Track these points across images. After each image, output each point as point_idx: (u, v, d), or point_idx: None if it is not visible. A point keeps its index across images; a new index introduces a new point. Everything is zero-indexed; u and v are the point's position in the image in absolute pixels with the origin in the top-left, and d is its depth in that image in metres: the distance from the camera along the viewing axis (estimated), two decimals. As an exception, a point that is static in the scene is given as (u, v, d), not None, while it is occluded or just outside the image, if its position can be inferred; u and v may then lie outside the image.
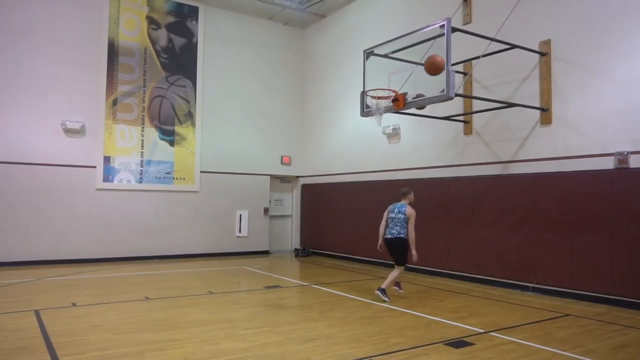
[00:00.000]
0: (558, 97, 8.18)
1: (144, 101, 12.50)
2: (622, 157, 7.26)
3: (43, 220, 11.12)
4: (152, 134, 12.58)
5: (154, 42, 12.71)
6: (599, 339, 5.45)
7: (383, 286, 7.38)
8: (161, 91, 12.75)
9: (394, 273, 7.42)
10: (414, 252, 7.19)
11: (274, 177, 14.63)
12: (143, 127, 12.47)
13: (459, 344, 5.14)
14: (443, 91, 7.02)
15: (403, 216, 7.35)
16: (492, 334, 5.58)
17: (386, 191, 11.44)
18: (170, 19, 12.95)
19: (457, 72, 7.83)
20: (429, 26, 7.49)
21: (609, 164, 7.45)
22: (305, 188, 14.75)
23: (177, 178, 12.86)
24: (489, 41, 8.04)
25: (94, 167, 11.79)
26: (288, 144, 14.79)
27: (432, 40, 7.60)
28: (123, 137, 12.21)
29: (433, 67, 6.96)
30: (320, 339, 5.31)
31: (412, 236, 7.24)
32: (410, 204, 7.62)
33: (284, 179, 15.02)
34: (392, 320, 6.23)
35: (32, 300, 7.27)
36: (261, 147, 14.23)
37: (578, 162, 7.83)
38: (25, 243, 10.90)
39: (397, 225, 7.35)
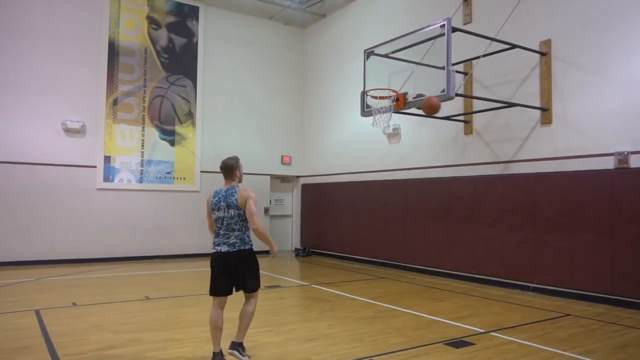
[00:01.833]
0: (558, 97, 8.18)
1: (144, 101, 12.50)
2: (622, 157, 7.27)
3: (43, 220, 11.12)
4: (152, 133, 12.58)
5: (154, 42, 12.71)
6: (599, 339, 5.45)
7: (238, 339, 4.63)
8: (161, 91, 12.75)
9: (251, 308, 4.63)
10: (275, 248, 4.70)
11: (274, 177, 14.63)
12: (143, 127, 12.47)
13: (459, 343, 5.14)
14: (443, 91, 7.03)
15: (236, 211, 4.46)
16: (493, 333, 5.58)
17: (386, 191, 11.47)
18: (171, 19, 12.95)
19: (457, 72, 7.84)
20: (429, 26, 7.50)
21: (609, 164, 7.45)
22: (306, 188, 14.75)
23: (177, 178, 12.87)
24: (489, 41, 8.04)
25: (95, 167, 11.79)
26: (288, 144, 14.79)
27: (433, 40, 7.60)
28: (123, 137, 12.21)
29: (431, 109, 7.05)
30: (321, 338, 5.31)
31: (262, 229, 4.45)
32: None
33: (284, 179, 15.02)
34: (392, 320, 6.23)
35: (33, 300, 7.27)
36: (261, 146, 14.22)
37: (578, 162, 7.83)
38: (25, 243, 10.90)
39: (234, 230, 4.49)
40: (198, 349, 4.87)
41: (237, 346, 4.54)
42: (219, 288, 4.56)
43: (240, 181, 4.64)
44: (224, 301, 4.57)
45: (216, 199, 4.55)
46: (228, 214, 4.46)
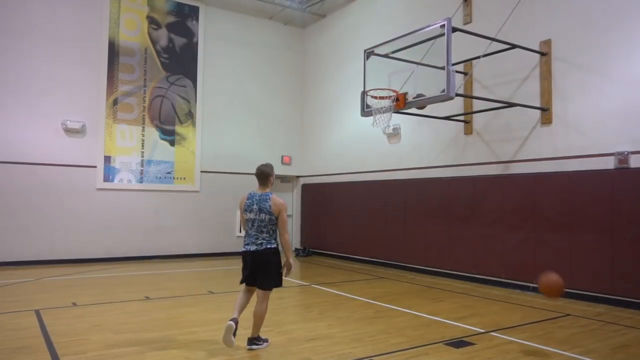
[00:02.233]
0: (558, 97, 8.18)
1: (144, 101, 12.50)
2: (623, 157, 7.27)
3: (43, 220, 11.12)
4: (152, 133, 12.58)
5: (154, 42, 12.71)
6: (599, 339, 5.45)
7: (253, 335, 4.96)
8: (161, 91, 12.75)
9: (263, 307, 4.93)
10: (292, 261, 5.02)
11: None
12: (143, 127, 12.47)
13: (459, 343, 5.14)
14: (443, 91, 7.03)
15: (268, 216, 4.91)
16: (493, 333, 5.58)
17: (386, 191, 11.47)
18: (171, 19, 12.95)
19: (457, 72, 7.84)
20: (429, 26, 7.49)
21: (609, 164, 7.45)
22: (306, 188, 14.75)
23: (177, 178, 12.87)
24: (489, 41, 8.04)
25: (95, 167, 11.79)
26: (288, 144, 14.79)
27: (433, 40, 7.60)
28: (123, 137, 12.21)
29: (552, 291, 5.19)
30: (321, 338, 5.31)
31: (288, 241, 5.05)
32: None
33: (284, 179, 15.01)
34: (392, 320, 6.23)
35: (33, 300, 7.27)
36: (261, 146, 14.22)
37: (578, 162, 7.83)
38: (25, 243, 10.90)
39: (263, 232, 4.94)
40: (198, 349, 4.87)
41: (254, 340, 4.92)
42: (246, 278, 5.04)
43: (271, 185, 5.09)
44: (252, 290, 5.04)
45: (249, 201, 4.98)
46: (259, 217, 4.91)
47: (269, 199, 4.92)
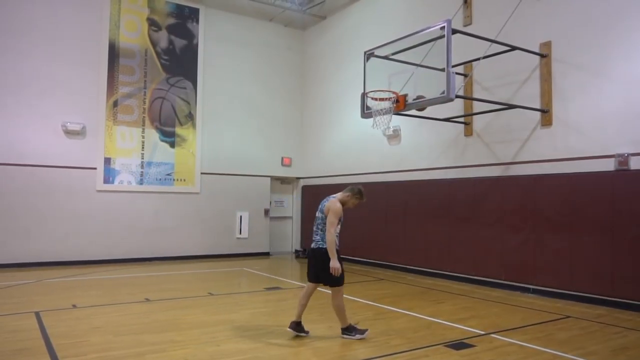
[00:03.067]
0: (558, 98, 8.18)
1: (144, 102, 12.50)
2: (623, 159, 7.26)
3: (44, 221, 11.11)
4: (152, 135, 12.58)
5: (154, 44, 12.72)
6: (600, 340, 5.45)
7: (342, 326, 5.44)
8: (162, 92, 12.75)
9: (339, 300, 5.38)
10: (332, 263, 5.15)
11: (274, 179, 14.63)
12: (143, 129, 12.47)
13: (459, 345, 5.13)
14: (444, 93, 7.02)
15: (320, 214, 5.39)
16: (493, 335, 5.57)
17: (386, 193, 11.46)
18: (171, 21, 12.96)
19: (457, 73, 7.83)
20: (429, 28, 7.49)
21: (609, 165, 7.45)
22: (306, 189, 14.74)
23: (177, 179, 12.87)
24: (489, 43, 8.04)
25: (95, 168, 11.78)
26: (288, 145, 14.79)
27: (433, 42, 7.60)
28: (123, 138, 12.21)
29: None
30: (321, 340, 5.31)
31: (328, 240, 5.19)
32: (345, 202, 5.49)
33: (284, 181, 15.02)
34: (392, 321, 6.23)
35: (33, 301, 7.26)
36: (261, 148, 14.22)
37: (578, 163, 7.83)
38: (26, 245, 10.90)
39: (318, 229, 5.40)
40: (198, 351, 4.86)
41: (344, 330, 5.36)
42: (307, 275, 5.55)
43: (342, 201, 5.40)
44: (312, 286, 5.48)
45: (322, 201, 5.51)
46: (317, 216, 5.41)
47: (327, 200, 5.38)
